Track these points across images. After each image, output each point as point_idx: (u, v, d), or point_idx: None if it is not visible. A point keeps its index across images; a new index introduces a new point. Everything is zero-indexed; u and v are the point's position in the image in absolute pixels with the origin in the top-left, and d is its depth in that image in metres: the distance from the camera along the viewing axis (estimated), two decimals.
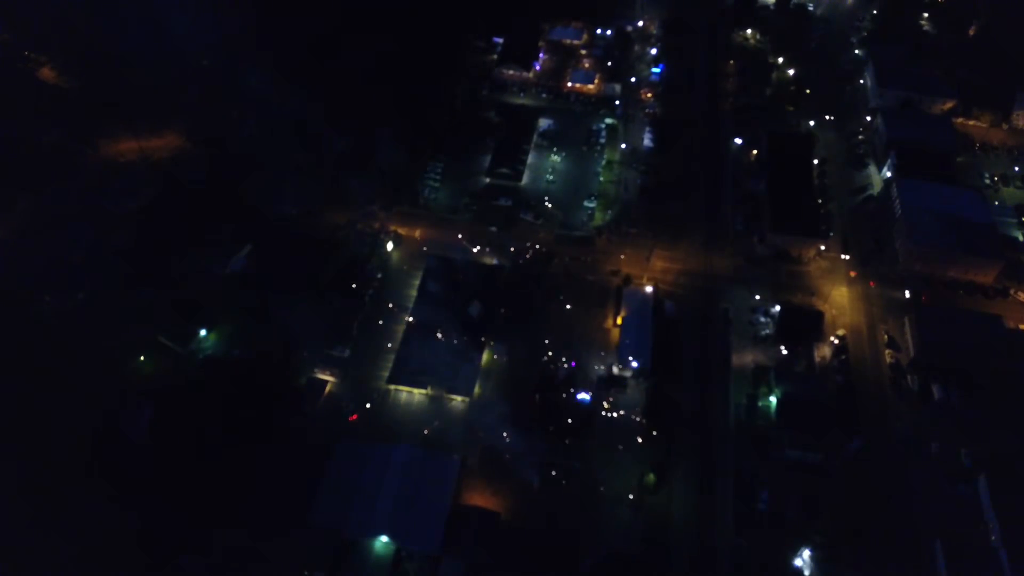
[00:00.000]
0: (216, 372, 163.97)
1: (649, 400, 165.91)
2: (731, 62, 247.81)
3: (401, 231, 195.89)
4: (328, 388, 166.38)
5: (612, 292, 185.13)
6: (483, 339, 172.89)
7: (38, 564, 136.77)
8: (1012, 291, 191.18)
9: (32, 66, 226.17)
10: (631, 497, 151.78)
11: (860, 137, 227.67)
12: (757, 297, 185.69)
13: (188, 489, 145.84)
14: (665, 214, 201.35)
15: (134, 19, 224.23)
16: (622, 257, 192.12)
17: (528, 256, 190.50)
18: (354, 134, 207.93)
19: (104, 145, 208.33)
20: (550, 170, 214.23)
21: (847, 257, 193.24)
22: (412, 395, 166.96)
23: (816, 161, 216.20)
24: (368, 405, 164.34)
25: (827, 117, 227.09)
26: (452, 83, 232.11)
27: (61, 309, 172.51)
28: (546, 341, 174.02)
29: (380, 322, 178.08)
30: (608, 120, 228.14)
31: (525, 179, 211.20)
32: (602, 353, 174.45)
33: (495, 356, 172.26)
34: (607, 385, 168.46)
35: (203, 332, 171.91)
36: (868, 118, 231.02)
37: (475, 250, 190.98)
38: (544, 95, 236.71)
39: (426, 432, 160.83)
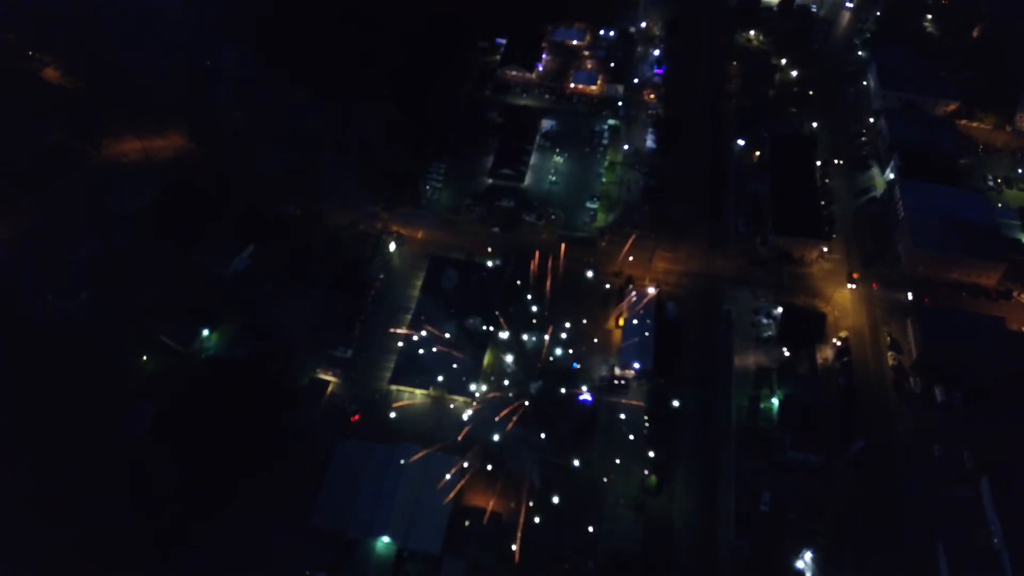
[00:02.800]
0: (218, 372, 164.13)
1: (651, 402, 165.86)
2: (734, 63, 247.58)
3: (403, 231, 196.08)
4: (330, 388, 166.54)
5: (614, 293, 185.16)
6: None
7: (40, 563, 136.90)
8: (1015, 293, 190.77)
9: (36, 66, 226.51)
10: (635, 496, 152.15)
11: (863, 139, 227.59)
12: (759, 299, 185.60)
13: (190, 488, 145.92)
14: (668, 215, 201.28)
15: (137, 19, 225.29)
16: (629, 259, 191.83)
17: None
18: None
19: (107, 145, 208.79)
20: (552, 171, 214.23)
21: (853, 286, 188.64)
22: (414, 396, 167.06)
23: (819, 163, 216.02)
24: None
25: (835, 159, 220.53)
26: (455, 84, 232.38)
27: (64, 309, 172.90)
28: (548, 341, 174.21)
29: (382, 323, 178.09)
30: (611, 121, 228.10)
31: (527, 180, 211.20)
32: (604, 354, 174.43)
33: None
34: (609, 387, 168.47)
35: (205, 332, 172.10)
36: (871, 120, 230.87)
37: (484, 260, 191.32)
38: (547, 96, 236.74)
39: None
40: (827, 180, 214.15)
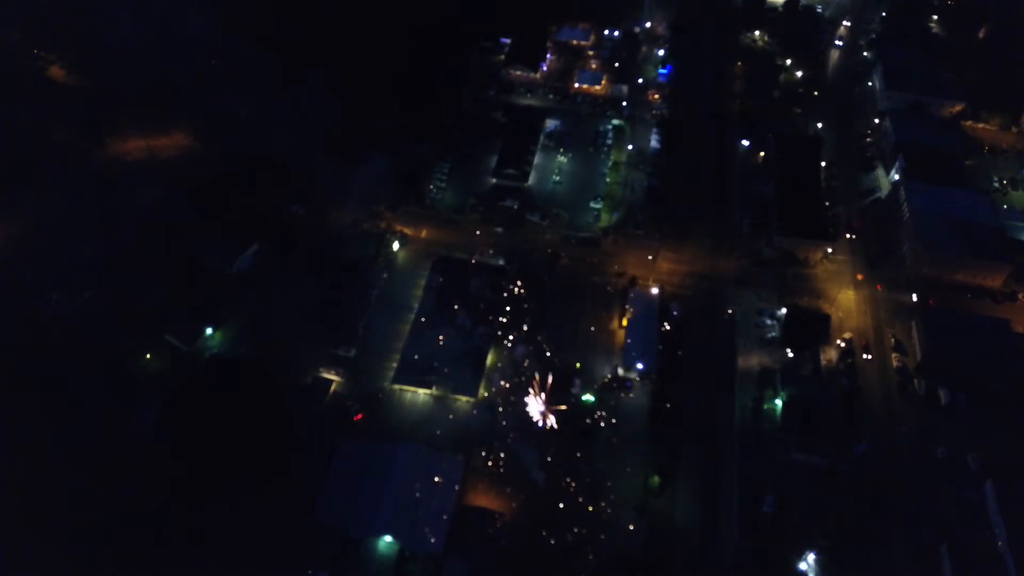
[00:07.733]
0: (222, 371, 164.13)
1: (654, 402, 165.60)
2: (739, 64, 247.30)
3: (407, 231, 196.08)
4: (333, 388, 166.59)
5: (618, 294, 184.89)
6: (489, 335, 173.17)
7: (41, 563, 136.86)
8: (1020, 295, 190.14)
9: (41, 64, 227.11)
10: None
11: (868, 140, 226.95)
12: (763, 300, 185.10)
13: (192, 487, 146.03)
14: (672, 216, 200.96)
15: (142, 18, 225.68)
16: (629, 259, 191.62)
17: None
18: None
19: (112, 144, 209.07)
20: (556, 171, 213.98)
21: (869, 356, 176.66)
22: (417, 395, 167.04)
23: (824, 164, 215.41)
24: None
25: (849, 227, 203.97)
26: (459, 83, 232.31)
27: (68, 307, 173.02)
28: (551, 342, 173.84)
29: (385, 322, 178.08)
30: (615, 121, 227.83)
31: (531, 180, 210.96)
32: (607, 355, 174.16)
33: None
34: (612, 387, 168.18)
35: (209, 331, 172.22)
36: (876, 120, 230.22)
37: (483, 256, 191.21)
38: (551, 96, 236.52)
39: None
40: (832, 181, 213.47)
